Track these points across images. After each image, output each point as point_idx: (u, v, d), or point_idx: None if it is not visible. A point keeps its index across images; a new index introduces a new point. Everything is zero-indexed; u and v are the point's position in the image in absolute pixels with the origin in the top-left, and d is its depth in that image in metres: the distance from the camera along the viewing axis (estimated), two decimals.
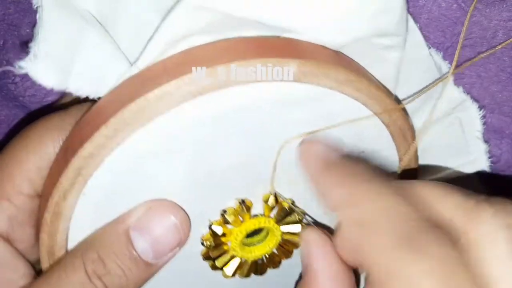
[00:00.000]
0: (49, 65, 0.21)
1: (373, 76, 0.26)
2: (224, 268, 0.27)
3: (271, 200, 0.26)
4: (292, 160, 0.25)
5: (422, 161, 0.30)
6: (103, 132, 0.20)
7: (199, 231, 0.26)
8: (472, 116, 0.29)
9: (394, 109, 0.25)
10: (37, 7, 0.21)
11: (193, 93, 0.21)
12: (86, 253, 0.22)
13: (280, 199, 0.26)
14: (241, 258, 0.27)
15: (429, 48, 0.29)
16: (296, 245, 0.28)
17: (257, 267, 0.28)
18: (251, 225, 0.26)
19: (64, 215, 0.22)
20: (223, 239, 0.26)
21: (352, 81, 0.23)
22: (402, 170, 0.28)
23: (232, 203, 0.26)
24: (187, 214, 0.24)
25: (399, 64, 0.26)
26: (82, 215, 0.22)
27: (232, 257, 0.27)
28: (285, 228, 0.27)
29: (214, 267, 0.27)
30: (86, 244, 0.23)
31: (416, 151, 0.27)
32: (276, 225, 0.27)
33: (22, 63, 0.21)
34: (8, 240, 0.24)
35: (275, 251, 0.28)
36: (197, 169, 0.23)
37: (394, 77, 0.27)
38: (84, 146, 0.20)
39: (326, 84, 0.23)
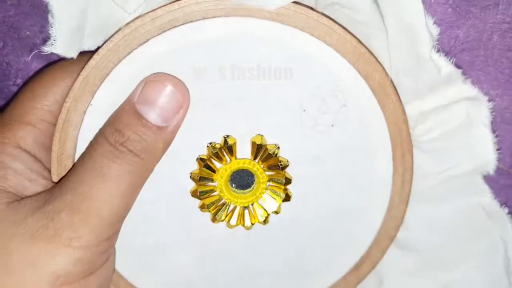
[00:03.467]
0: (67, 41, 0.24)
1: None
2: (212, 211, 0.28)
3: (256, 142, 0.26)
4: (281, 103, 0.26)
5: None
6: (106, 46, 0.24)
7: (189, 167, 0.27)
8: (480, 107, 0.28)
9: (374, 61, 0.25)
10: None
11: (179, 19, 0.24)
12: (104, 131, 0.25)
13: (264, 143, 0.27)
14: (229, 203, 0.28)
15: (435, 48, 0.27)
16: (281, 198, 0.28)
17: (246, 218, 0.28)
18: (235, 164, 0.27)
19: (74, 122, 0.25)
20: (210, 175, 0.27)
21: (324, 24, 0.24)
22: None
23: (218, 140, 0.27)
24: (180, 80, 0.26)
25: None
26: (90, 127, 0.25)
27: (220, 199, 0.28)
28: (270, 174, 0.28)
29: (203, 207, 0.28)
30: (101, 127, 0.25)
31: (403, 115, 0.27)
32: (261, 170, 0.27)
33: (46, 48, 0.24)
34: (35, 158, 0.27)
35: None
36: None
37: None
38: (93, 57, 0.24)
39: (297, 25, 0.24)
